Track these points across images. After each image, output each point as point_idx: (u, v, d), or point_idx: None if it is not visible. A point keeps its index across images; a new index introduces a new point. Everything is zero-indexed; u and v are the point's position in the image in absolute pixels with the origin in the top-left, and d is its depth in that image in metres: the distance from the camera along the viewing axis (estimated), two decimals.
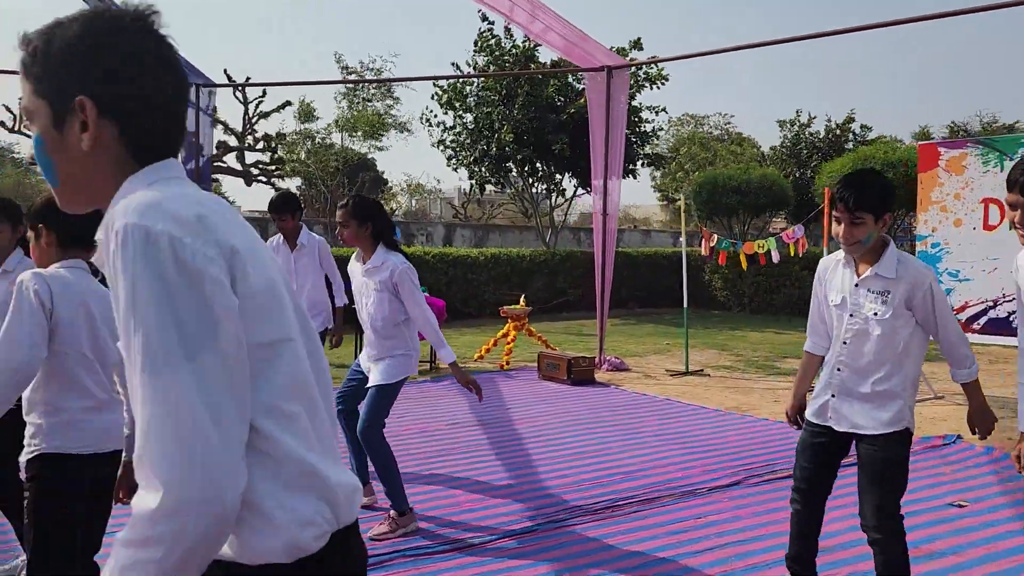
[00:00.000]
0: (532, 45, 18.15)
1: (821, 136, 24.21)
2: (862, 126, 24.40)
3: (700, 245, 9.50)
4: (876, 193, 2.93)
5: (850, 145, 23.77)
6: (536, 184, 19.31)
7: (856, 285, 3.14)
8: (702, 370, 9.87)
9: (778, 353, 11.52)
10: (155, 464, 1.07)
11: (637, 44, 17.61)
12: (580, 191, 19.27)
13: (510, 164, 18.33)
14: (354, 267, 4.55)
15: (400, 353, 4.41)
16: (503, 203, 30.01)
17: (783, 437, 6.38)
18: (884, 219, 2.97)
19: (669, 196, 33.92)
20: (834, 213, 3.02)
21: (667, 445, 6.23)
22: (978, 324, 7.55)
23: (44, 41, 1.26)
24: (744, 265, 9.79)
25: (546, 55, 18.60)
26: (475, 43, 18.50)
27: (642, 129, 18.76)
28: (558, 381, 9.01)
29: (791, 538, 3.35)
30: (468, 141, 18.48)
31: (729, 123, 40.19)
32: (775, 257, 9.07)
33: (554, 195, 19.43)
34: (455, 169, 19.61)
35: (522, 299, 10.86)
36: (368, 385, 4.41)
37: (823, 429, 3.21)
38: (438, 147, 19.13)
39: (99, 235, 1.24)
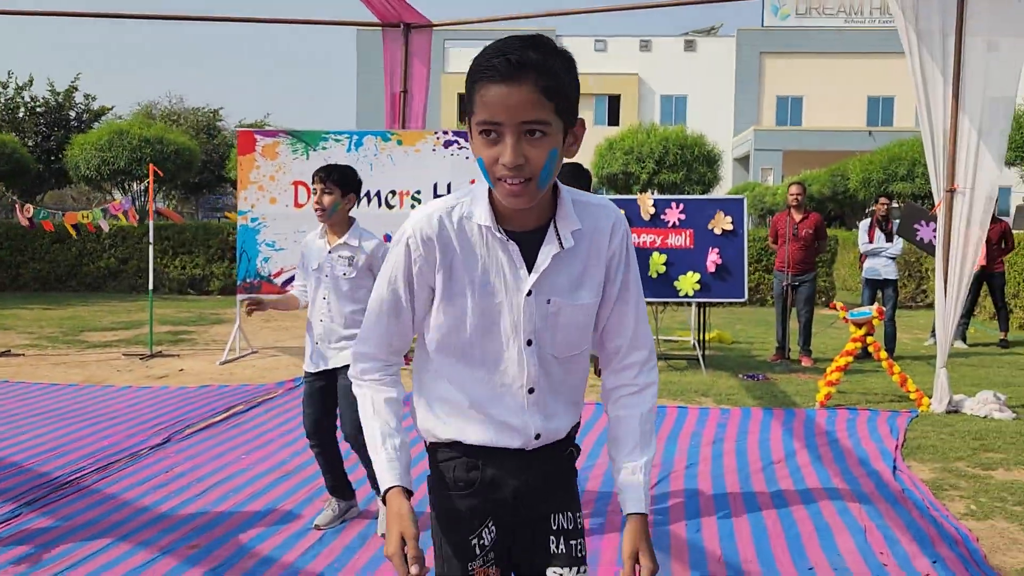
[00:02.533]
0: None
1: (46, 100, 23.18)
2: (86, 95, 24.13)
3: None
4: (342, 171, 3.86)
5: (73, 113, 23.43)
6: None
7: (329, 252, 3.89)
8: (9, 351, 9.25)
9: (73, 327, 11.29)
10: None
11: None
12: None
13: None
14: None
15: None
16: None
17: (169, 399, 6.89)
18: (349, 197, 3.89)
19: None
20: (314, 186, 3.84)
21: (69, 424, 6.10)
22: (289, 286, 9.02)
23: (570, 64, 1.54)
24: (73, 234, 9.38)
25: None
26: None
27: None
28: None
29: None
30: None
31: None
32: (104, 227, 9.09)
33: None
34: None
35: None
36: None
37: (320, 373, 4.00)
38: None
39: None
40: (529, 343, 1.67)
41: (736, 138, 38.68)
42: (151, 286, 9.62)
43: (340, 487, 4.14)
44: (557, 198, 1.67)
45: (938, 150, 6.61)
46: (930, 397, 6.79)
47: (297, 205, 8.94)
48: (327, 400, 4.01)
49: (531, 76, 1.47)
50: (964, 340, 10.39)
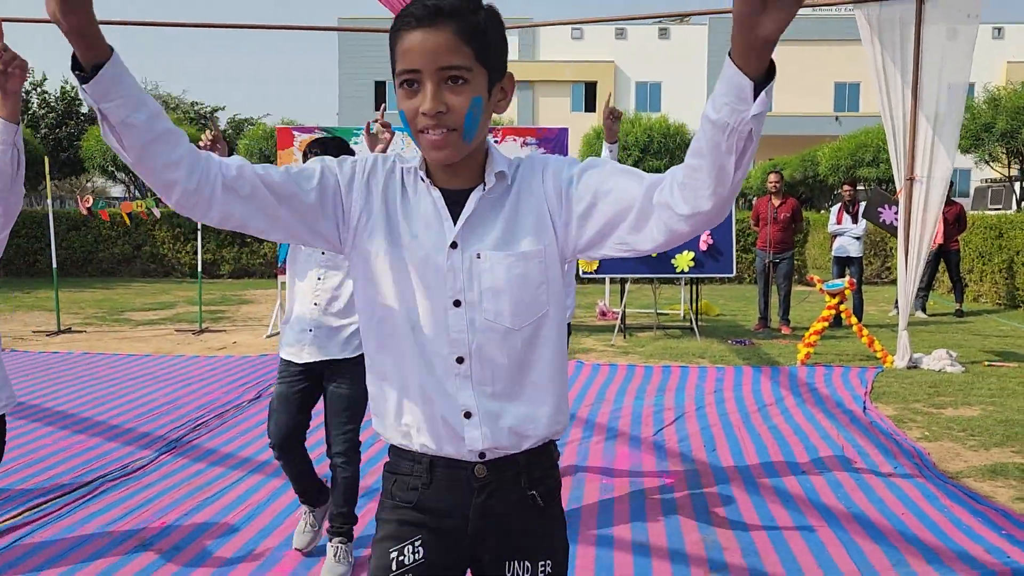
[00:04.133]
0: None
1: (61, 95, 23.96)
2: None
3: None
4: (340, 143, 3.49)
5: (85, 107, 24.19)
6: None
7: None
8: (70, 328, 10.16)
9: (112, 308, 12.20)
10: None
11: None
12: None
13: None
14: None
15: None
16: None
17: (240, 365, 7.90)
18: None
19: None
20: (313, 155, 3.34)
21: (163, 386, 7.10)
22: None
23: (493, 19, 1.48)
24: (127, 221, 10.34)
25: None
26: None
27: None
28: None
29: None
30: None
31: None
32: (156, 214, 10.06)
33: None
34: None
35: None
36: None
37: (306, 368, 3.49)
38: None
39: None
40: (457, 304, 1.52)
41: None
42: (200, 268, 10.57)
43: (312, 491, 3.64)
44: (487, 157, 1.56)
45: (899, 141, 7.74)
46: (893, 356, 7.98)
47: None
48: (305, 406, 3.50)
49: (448, 20, 1.40)
50: (924, 311, 11.63)
